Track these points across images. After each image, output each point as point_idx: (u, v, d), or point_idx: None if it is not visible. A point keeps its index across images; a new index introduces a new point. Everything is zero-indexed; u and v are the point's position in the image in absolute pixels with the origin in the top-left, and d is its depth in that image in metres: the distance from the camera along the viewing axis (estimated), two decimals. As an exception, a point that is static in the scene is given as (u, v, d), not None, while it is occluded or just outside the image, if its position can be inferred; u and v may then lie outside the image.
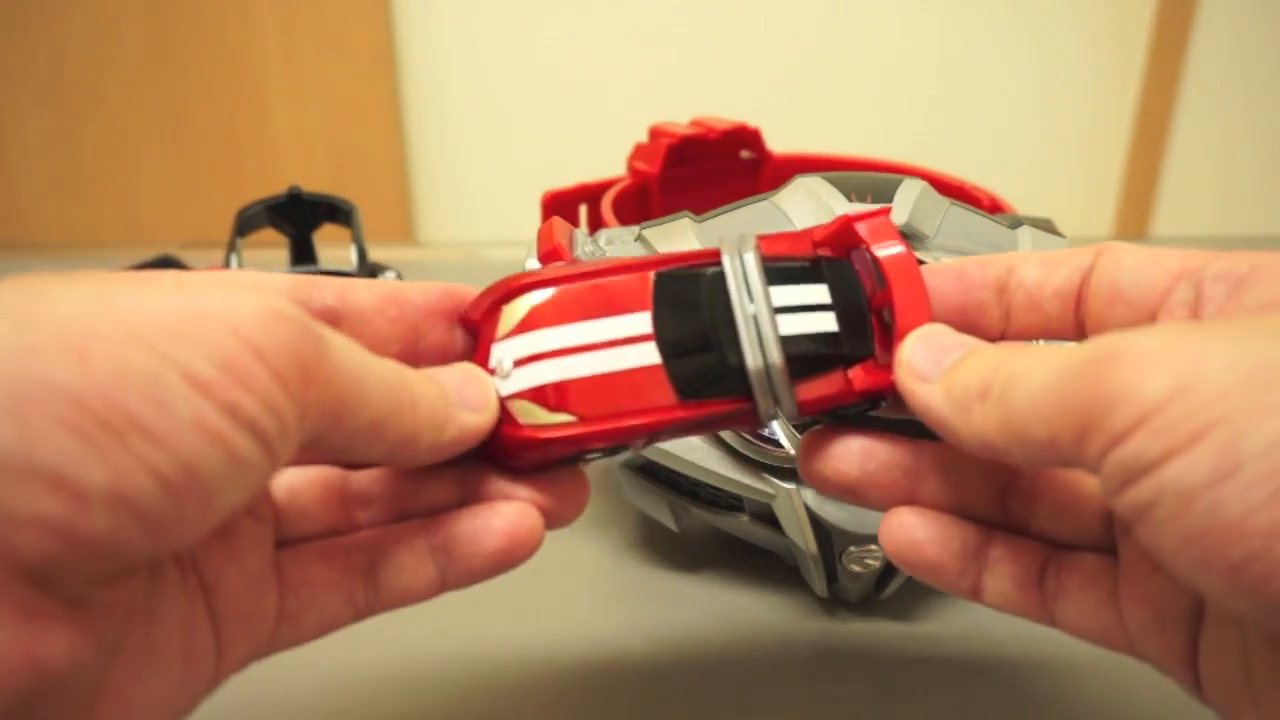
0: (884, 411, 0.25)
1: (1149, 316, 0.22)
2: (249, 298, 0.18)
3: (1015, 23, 1.32)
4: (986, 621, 0.37)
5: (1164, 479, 0.16)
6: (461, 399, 0.22)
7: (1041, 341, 0.25)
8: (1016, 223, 0.37)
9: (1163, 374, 0.16)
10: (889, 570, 0.36)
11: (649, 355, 0.23)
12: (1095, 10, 1.31)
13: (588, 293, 0.23)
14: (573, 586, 0.40)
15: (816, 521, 0.34)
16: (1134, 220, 1.39)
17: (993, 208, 0.50)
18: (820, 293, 0.24)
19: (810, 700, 0.34)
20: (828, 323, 0.24)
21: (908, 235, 0.34)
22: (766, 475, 0.34)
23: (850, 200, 0.35)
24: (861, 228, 0.24)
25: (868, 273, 0.25)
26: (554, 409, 0.22)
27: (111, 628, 0.18)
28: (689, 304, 0.24)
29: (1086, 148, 1.38)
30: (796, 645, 0.36)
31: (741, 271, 0.24)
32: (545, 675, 0.35)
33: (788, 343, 0.23)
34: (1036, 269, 0.24)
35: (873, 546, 0.34)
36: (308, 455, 0.24)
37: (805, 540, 0.34)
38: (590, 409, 0.23)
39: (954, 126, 1.35)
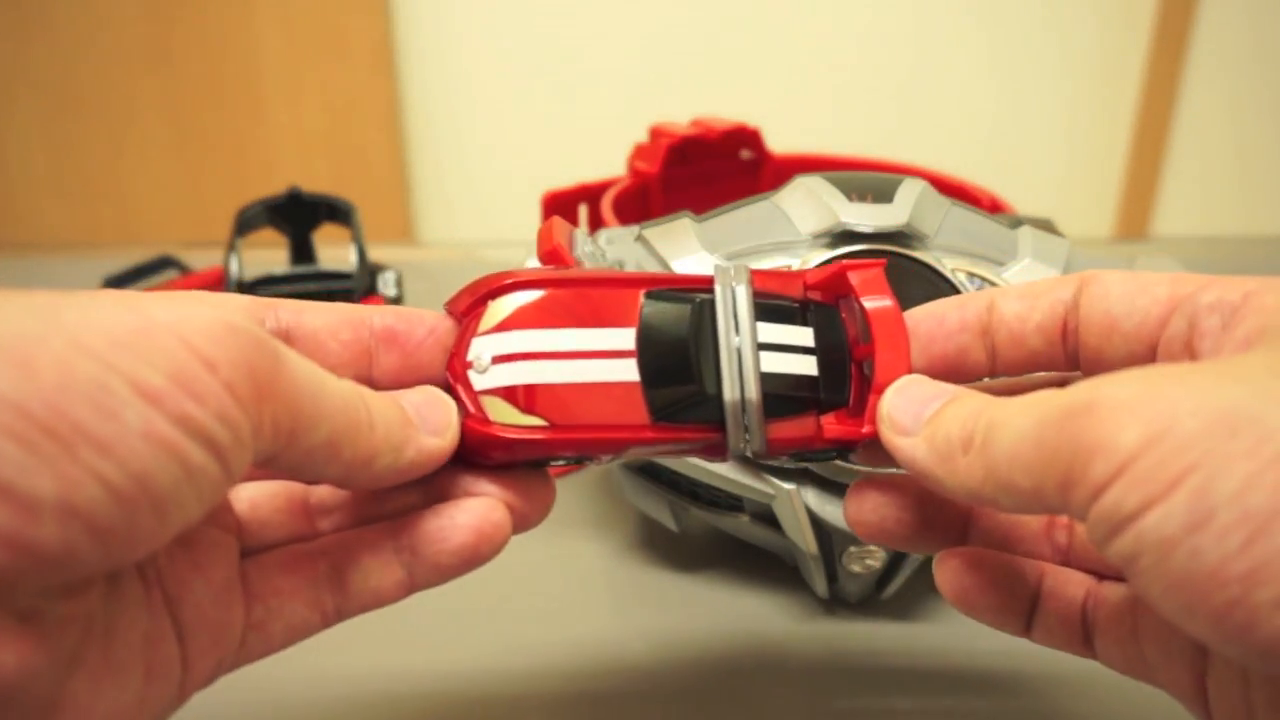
0: (859, 460, 0.25)
1: (1148, 347, 0.22)
2: (201, 311, 0.18)
3: (1015, 23, 1.32)
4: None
5: (1144, 529, 0.16)
6: (422, 421, 0.22)
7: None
8: (1016, 223, 0.37)
9: (1136, 424, 0.16)
10: (889, 570, 0.36)
11: (628, 372, 0.23)
12: (1097, 9, 1.31)
13: (576, 300, 0.23)
14: (574, 587, 0.40)
15: (816, 522, 0.34)
16: (1134, 220, 1.39)
17: (993, 208, 0.50)
18: (805, 335, 0.24)
19: (810, 701, 0.34)
20: (808, 366, 0.24)
21: (908, 235, 0.34)
22: (766, 475, 0.34)
23: (851, 200, 0.34)
24: (854, 277, 0.25)
25: (854, 322, 0.25)
26: (525, 411, 0.22)
27: (67, 641, 0.17)
28: (675, 327, 0.24)
29: (1087, 147, 1.38)
30: (796, 645, 0.36)
31: (732, 303, 0.24)
32: (546, 675, 0.35)
33: (767, 380, 0.23)
34: (1016, 304, 0.24)
35: (873, 547, 0.34)
36: (264, 476, 0.24)
37: (805, 540, 0.34)
38: (561, 416, 0.22)
39: (955, 126, 1.35)
